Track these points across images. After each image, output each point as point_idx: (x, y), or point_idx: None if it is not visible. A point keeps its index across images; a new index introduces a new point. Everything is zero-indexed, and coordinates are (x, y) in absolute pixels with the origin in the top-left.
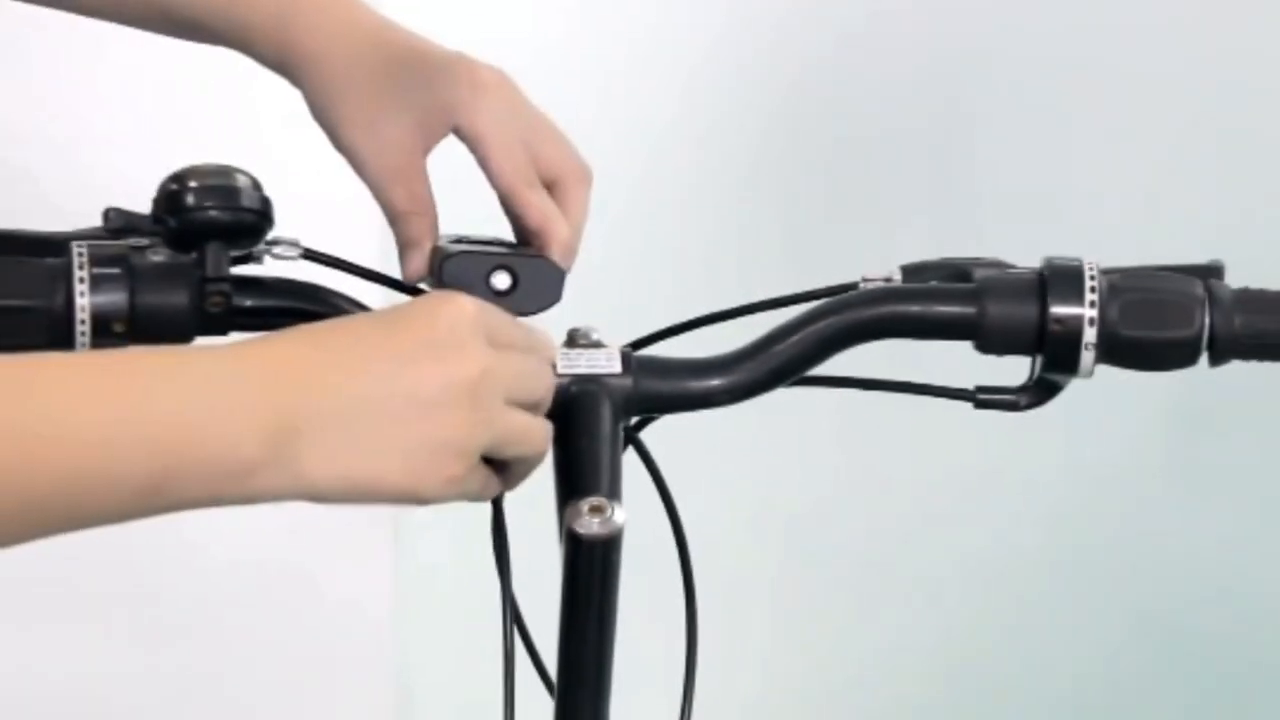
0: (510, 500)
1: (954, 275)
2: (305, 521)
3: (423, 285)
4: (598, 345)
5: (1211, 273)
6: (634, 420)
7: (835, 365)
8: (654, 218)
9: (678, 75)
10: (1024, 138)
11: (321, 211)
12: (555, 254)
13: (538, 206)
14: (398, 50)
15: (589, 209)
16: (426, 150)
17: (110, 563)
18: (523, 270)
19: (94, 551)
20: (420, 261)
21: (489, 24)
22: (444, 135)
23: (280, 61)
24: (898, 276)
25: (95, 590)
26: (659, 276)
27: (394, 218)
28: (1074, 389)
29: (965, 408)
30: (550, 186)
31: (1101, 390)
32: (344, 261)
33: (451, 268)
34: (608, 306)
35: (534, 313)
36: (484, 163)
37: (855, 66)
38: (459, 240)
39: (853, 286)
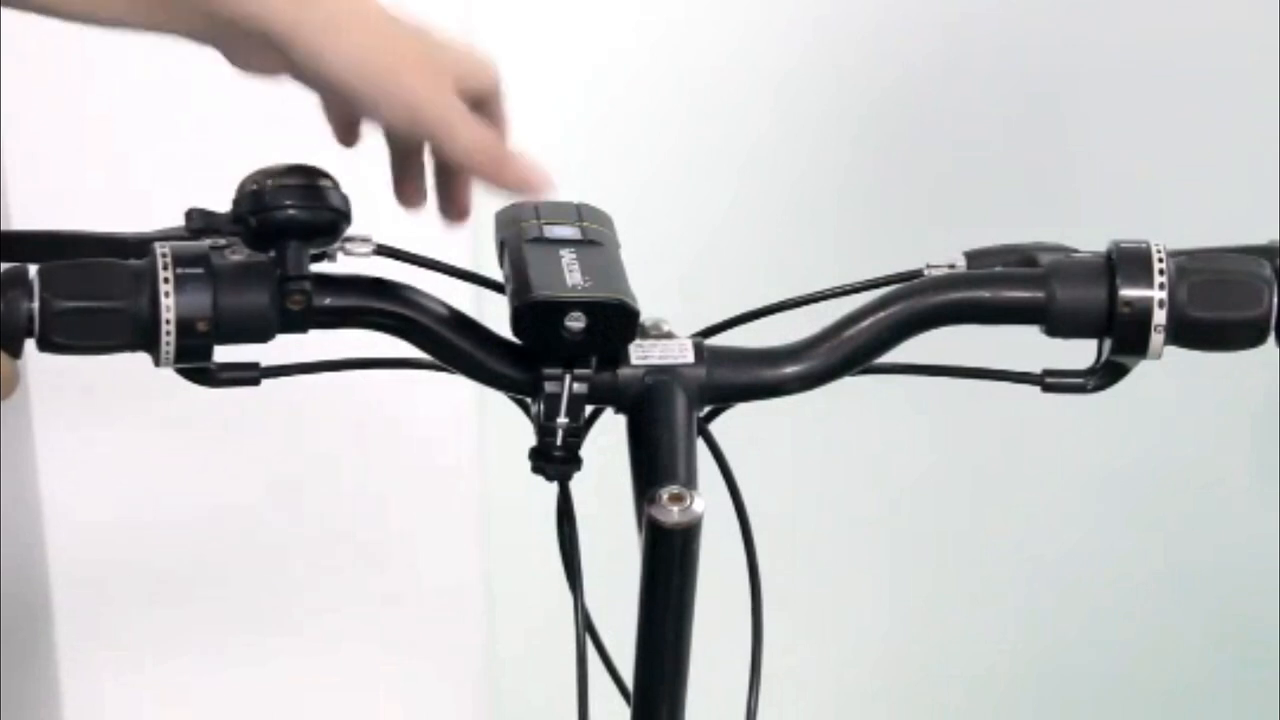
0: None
1: (1018, 260)
2: (394, 513)
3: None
4: (669, 336)
5: (1272, 253)
6: (704, 411)
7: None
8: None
9: (774, 73)
10: (1117, 134)
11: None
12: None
13: (514, 175)
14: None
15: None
16: None
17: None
18: (597, 314)
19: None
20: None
21: (575, 34)
22: None
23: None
24: (961, 262)
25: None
26: (722, 269)
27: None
28: (1159, 383)
29: (1036, 399)
30: (478, 107)
31: (1184, 382)
32: (416, 255)
33: (526, 315)
34: (666, 299)
35: (607, 354)
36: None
37: (944, 64)
38: (537, 229)
39: (918, 273)
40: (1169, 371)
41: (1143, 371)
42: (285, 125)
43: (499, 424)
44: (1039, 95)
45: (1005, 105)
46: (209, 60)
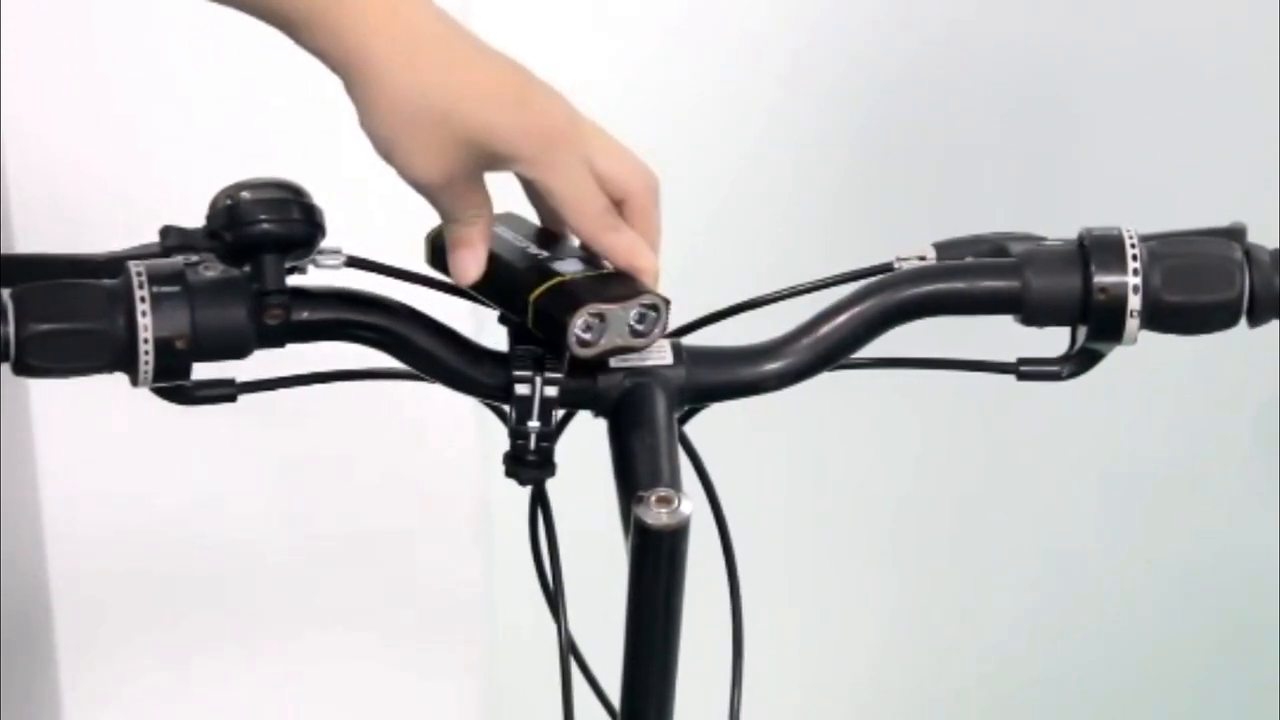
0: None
1: (988, 250)
2: (395, 517)
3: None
4: None
5: (1238, 235)
6: (681, 411)
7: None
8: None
9: (771, 76)
10: (1115, 135)
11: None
12: (646, 283)
13: (623, 248)
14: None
15: (661, 220)
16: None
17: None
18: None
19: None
20: (473, 265)
21: (572, 36)
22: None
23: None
24: (931, 254)
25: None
26: (718, 271)
27: (444, 219)
28: (1160, 383)
29: (1034, 399)
30: (620, 203)
31: (1185, 382)
32: (388, 267)
33: (543, 305)
34: None
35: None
36: (556, 209)
37: (941, 66)
38: (513, 232)
39: (888, 266)
40: (1169, 372)
41: (1142, 371)
42: (276, 133)
43: (498, 428)
44: (1037, 98)
45: (1003, 106)
46: (208, 63)
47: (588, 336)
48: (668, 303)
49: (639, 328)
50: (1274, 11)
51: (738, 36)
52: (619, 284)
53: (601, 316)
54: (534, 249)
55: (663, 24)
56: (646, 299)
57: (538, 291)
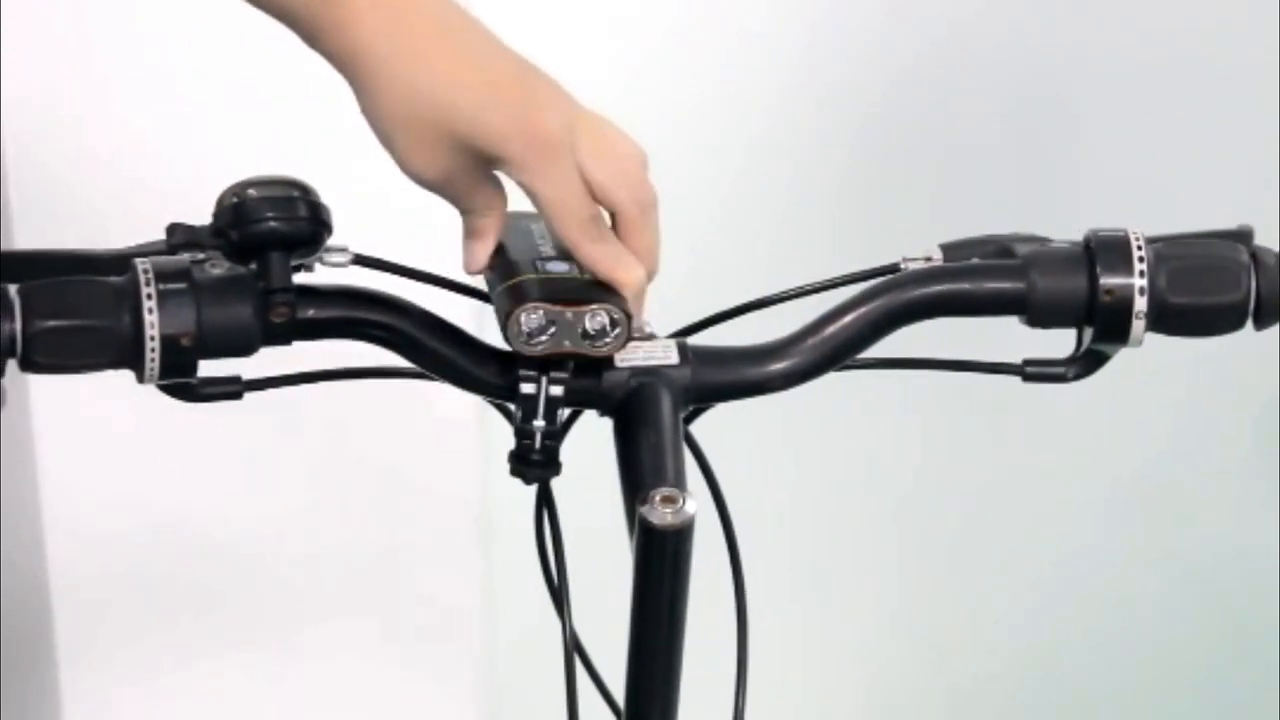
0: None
1: (994, 251)
2: (394, 520)
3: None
4: (651, 337)
5: (1245, 237)
6: (687, 411)
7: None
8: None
9: (772, 77)
10: (1117, 134)
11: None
12: (628, 298)
13: (604, 260)
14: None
15: (659, 233)
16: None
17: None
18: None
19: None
20: (479, 256)
21: (573, 35)
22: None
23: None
24: (937, 255)
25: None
26: (719, 270)
27: (459, 211)
28: (1159, 384)
29: (1035, 400)
30: (612, 214)
31: (1185, 383)
32: (394, 265)
33: (519, 321)
34: (663, 298)
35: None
36: (540, 213)
37: (942, 66)
38: (543, 231)
39: (895, 267)
40: (1171, 372)
41: (1144, 372)
42: (283, 130)
43: (500, 427)
44: (1037, 98)
45: (1003, 106)
46: (211, 61)
47: (534, 335)
48: (629, 317)
49: (595, 336)
50: (1274, 11)
51: (738, 36)
52: (586, 291)
53: (551, 318)
54: (545, 248)
55: (663, 24)
56: (602, 310)
57: (506, 284)
